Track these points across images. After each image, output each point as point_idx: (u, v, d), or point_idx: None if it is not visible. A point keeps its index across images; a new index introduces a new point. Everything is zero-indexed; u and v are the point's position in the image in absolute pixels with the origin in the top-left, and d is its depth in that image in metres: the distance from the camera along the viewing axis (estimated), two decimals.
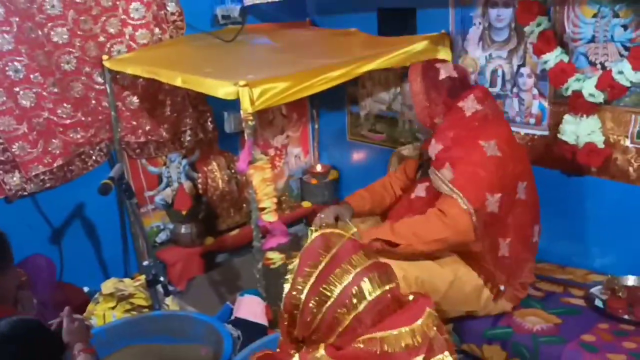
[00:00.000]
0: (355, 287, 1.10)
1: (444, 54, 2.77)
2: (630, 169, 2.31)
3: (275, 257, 2.38)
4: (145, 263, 2.38)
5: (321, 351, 1.12)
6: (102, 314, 2.50)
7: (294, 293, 1.14)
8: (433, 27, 2.82)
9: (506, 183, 2.09)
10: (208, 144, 3.29)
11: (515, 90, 2.63)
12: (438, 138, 2.16)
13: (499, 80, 2.68)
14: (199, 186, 3.22)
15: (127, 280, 2.61)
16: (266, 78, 2.28)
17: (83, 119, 2.86)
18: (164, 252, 3.13)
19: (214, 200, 3.25)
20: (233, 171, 3.29)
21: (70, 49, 2.76)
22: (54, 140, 2.78)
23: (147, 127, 3.07)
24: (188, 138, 3.21)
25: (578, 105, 2.33)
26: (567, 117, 2.40)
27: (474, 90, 2.18)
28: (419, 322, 1.12)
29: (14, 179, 2.70)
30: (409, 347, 1.10)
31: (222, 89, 2.26)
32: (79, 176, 2.90)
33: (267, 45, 3.11)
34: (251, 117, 2.20)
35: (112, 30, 2.88)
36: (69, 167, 2.86)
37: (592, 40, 2.30)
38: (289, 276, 1.18)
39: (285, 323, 1.19)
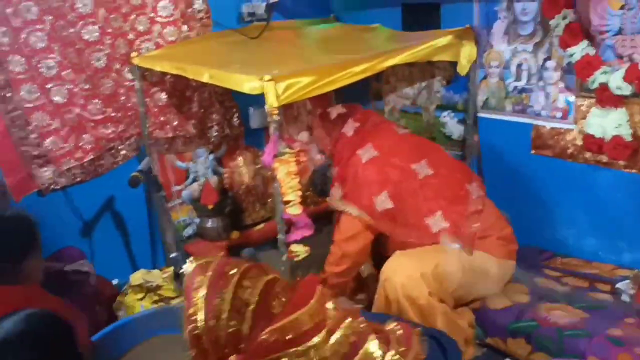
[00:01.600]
0: (238, 299, 1.16)
1: (469, 48, 2.75)
2: None
3: (300, 250, 2.41)
4: (172, 255, 2.43)
5: None
6: (131, 304, 2.56)
7: (192, 326, 1.17)
8: (457, 21, 2.81)
9: (392, 177, 2.27)
10: (234, 139, 3.33)
11: (541, 84, 2.61)
12: (335, 164, 2.45)
13: (525, 74, 2.67)
14: (225, 181, 3.26)
15: (155, 271, 2.67)
16: (290, 73, 2.30)
17: (113, 114, 2.93)
18: (191, 245, 3.18)
19: (240, 195, 3.29)
20: (259, 166, 3.32)
21: (101, 47, 2.83)
22: (85, 136, 2.86)
23: (175, 123, 3.13)
24: (215, 133, 3.26)
25: (605, 98, 2.31)
26: (594, 110, 2.39)
27: (355, 114, 2.47)
28: (313, 301, 1.17)
29: (47, 173, 2.78)
30: (310, 326, 1.15)
31: (248, 84, 2.28)
32: (108, 170, 2.97)
33: (291, 42, 3.14)
34: (276, 112, 2.23)
35: (141, 28, 2.95)
36: (100, 161, 2.94)
37: (620, 32, 2.28)
38: (182, 317, 1.21)
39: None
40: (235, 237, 3.25)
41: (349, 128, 2.45)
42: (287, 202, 2.31)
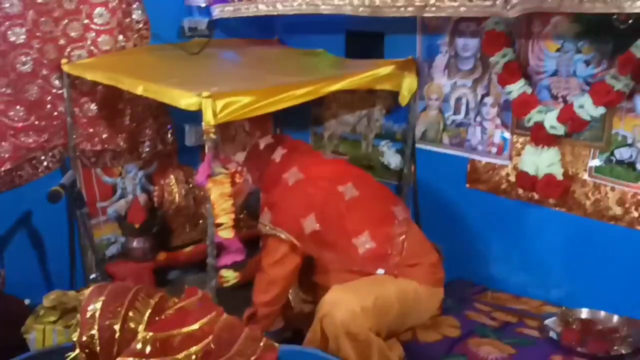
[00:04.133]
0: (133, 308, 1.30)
1: (410, 79, 2.78)
2: (587, 202, 2.34)
3: (229, 276, 2.32)
4: (92, 276, 2.29)
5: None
6: (42, 328, 2.37)
7: (86, 335, 1.28)
8: (401, 52, 2.83)
9: (319, 198, 2.26)
10: (167, 156, 3.21)
11: (478, 119, 2.66)
12: (264, 191, 2.44)
13: (463, 109, 2.70)
14: (155, 199, 3.13)
15: (71, 293, 2.49)
16: (230, 91, 2.23)
17: (37, 122, 2.76)
18: (114, 265, 3.01)
19: (170, 214, 3.16)
20: (191, 186, 3.22)
21: (28, 50, 2.67)
22: (3, 143, 2.67)
23: (104, 136, 2.98)
24: (146, 149, 3.13)
25: (539, 136, 2.36)
26: (528, 147, 2.44)
27: (283, 143, 2.49)
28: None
29: None
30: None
31: (185, 100, 2.20)
32: (28, 182, 2.79)
33: (233, 60, 3.08)
34: (213, 130, 2.15)
35: (73, 34, 2.80)
36: (18, 172, 2.75)
37: (555, 74, 2.35)
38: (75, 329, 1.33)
39: None
40: (162, 259, 3.10)
41: (277, 155, 2.45)
42: (219, 225, 2.22)
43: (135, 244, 3.03)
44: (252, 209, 2.73)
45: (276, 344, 1.33)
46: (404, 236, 2.27)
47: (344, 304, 2.08)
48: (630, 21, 2.06)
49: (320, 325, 2.12)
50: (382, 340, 2.15)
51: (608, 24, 2.13)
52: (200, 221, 3.24)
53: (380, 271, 2.21)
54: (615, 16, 2.09)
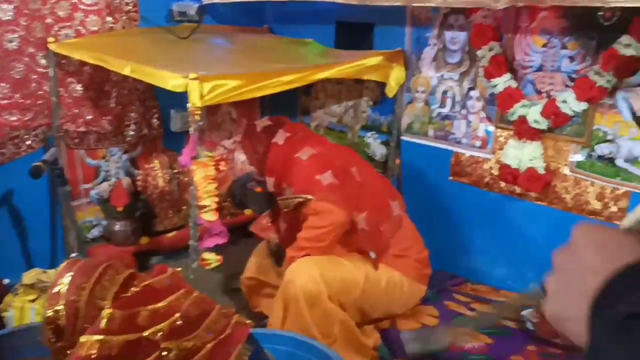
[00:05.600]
0: (100, 284, 1.28)
1: (398, 71, 2.79)
2: (568, 196, 2.37)
3: (212, 258, 2.31)
4: (73, 255, 2.27)
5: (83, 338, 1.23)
6: (21, 306, 2.35)
7: (54, 301, 1.28)
8: (390, 44, 2.84)
9: (330, 164, 2.25)
10: (152, 140, 3.19)
11: (463, 112, 2.68)
12: (268, 173, 2.37)
13: (449, 101, 2.72)
14: (138, 183, 3.11)
15: (51, 271, 2.47)
16: (217, 74, 2.23)
17: (21, 101, 2.73)
18: (95, 249, 2.99)
19: (153, 199, 3.14)
20: (176, 171, 3.20)
21: (15, 27, 2.64)
22: None
23: (89, 117, 2.95)
24: (131, 133, 3.10)
25: (522, 130, 2.39)
26: (511, 141, 2.46)
27: (283, 126, 2.42)
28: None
29: None
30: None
31: (172, 81, 2.20)
32: (10, 160, 2.76)
33: (222, 46, 3.07)
34: (199, 112, 2.15)
35: (61, 13, 2.78)
36: (1, 150, 2.71)
37: (540, 69, 2.37)
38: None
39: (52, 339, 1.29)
40: (144, 243, 3.09)
41: (280, 138, 2.39)
42: (202, 207, 2.22)
43: (117, 227, 3.01)
44: (236, 197, 2.73)
45: (248, 321, 1.33)
46: (395, 231, 2.30)
47: (305, 270, 2.11)
48: (615, 18, 2.09)
49: (282, 291, 2.14)
50: (349, 319, 2.16)
51: (593, 21, 2.15)
52: (184, 207, 3.22)
53: (372, 255, 2.24)
54: (600, 13, 2.12)
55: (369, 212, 2.26)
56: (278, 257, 2.60)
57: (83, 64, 2.74)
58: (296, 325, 2.08)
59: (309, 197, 2.21)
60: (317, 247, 2.20)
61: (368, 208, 2.27)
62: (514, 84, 2.40)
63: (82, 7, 2.81)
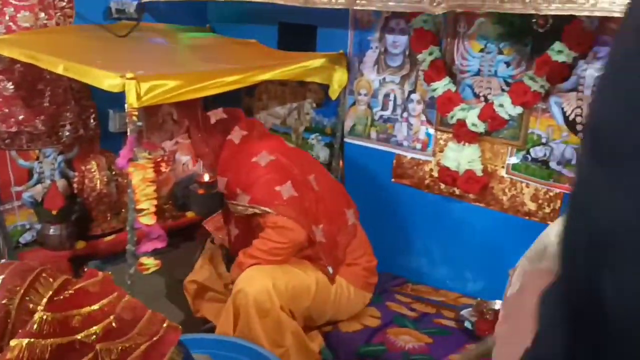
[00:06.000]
0: (31, 290, 1.21)
1: (341, 73, 2.80)
2: (504, 198, 2.44)
3: (150, 263, 2.25)
4: (2, 261, 2.15)
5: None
6: None
7: None
8: (332, 46, 2.85)
9: (290, 174, 2.24)
10: (89, 141, 3.09)
11: (405, 115, 2.71)
12: (221, 173, 2.35)
13: (391, 104, 2.75)
14: (75, 185, 3.00)
15: None
16: (156, 74, 2.18)
17: None
18: (28, 254, 2.86)
19: (90, 201, 3.04)
20: (114, 173, 3.10)
21: None
22: None
23: (21, 117, 2.82)
24: (67, 133, 2.99)
25: (461, 133, 2.44)
26: (450, 144, 2.51)
27: (240, 122, 2.39)
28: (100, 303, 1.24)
29: None
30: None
31: (108, 81, 2.13)
32: None
33: (162, 45, 3.00)
34: (136, 113, 2.09)
35: None
36: None
37: (478, 73, 2.43)
38: None
39: None
40: (81, 248, 2.98)
41: (236, 136, 2.35)
42: (140, 211, 2.16)
43: (51, 231, 2.89)
44: (178, 199, 2.68)
45: (179, 327, 1.31)
46: (351, 240, 2.33)
47: (257, 280, 2.09)
48: (548, 25, 2.16)
49: (233, 301, 2.11)
50: (300, 328, 2.16)
51: (528, 27, 2.22)
52: (123, 210, 3.13)
53: (329, 270, 2.25)
54: (534, 19, 2.18)
55: (326, 224, 2.26)
56: (227, 260, 2.56)
57: (14, 61, 2.62)
58: (246, 334, 2.06)
59: (268, 210, 2.17)
60: (270, 259, 2.17)
61: (325, 220, 2.26)
62: (453, 88, 2.45)
63: (13, 2, 2.69)
